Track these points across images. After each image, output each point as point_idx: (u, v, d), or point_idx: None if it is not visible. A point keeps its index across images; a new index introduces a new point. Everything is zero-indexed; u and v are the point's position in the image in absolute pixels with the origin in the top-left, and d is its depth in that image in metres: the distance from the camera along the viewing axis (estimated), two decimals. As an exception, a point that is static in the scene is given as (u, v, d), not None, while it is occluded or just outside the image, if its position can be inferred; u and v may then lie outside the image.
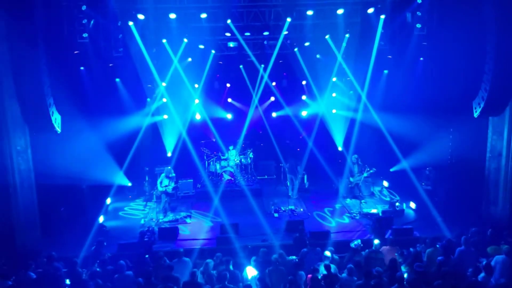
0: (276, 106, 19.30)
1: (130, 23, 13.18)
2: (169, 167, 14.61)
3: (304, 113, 18.82)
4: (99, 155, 14.09)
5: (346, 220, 13.68)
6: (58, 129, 11.26)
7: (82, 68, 14.13)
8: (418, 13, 13.20)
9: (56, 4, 11.87)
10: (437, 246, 9.75)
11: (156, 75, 15.34)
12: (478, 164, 12.88)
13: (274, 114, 19.50)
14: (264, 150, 19.01)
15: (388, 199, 14.92)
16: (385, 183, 16.06)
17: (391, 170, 15.69)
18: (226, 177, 16.90)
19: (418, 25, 13.35)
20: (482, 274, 8.37)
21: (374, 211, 13.81)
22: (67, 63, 12.95)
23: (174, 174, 14.45)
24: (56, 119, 11.17)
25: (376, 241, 9.94)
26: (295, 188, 15.72)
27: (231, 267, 8.97)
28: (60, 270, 9.00)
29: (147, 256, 10.10)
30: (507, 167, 12.07)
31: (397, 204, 13.94)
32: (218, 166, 17.26)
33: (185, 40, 14.88)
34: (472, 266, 9.02)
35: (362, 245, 10.04)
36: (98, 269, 9.14)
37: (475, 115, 12.12)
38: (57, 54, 11.76)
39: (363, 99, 16.00)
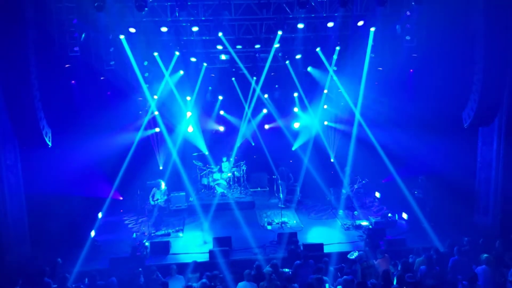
0: (268, 118, 19.33)
1: (121, 37, 13.18)
2: (161, 180, 14.53)
3: (296, 125, 18.85)
4: (90, 169, 14.01)
5: (339, 231, 13.66)
6: (49, 143, 11.17)
7: (73, 81, 14.08)
8: (408, 25, 13.34)
9: (47, 17, 11.85)
10: (423, 256, 9.77)
11: (146, 89, 15.27)
12: (469, 174, 12.97)
13: (266, 126, 19.52)
14: (257, 162, 18.99)
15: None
16: (377, 194, 16.08)
17: (383, 181, 15.73)
18: (219, 189, 16.85)
19: (408, 37, 13.47)
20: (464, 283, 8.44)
21: (365, 223, 13.80)
22: (58, 77, 12.89)
23: (165, 188, 14.38)
24: (47, 132, 11.09)
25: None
26: (284, 194, 15.63)
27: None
28: (50, 286, 8.90)
29: (140, 269, 10.00)
30: (497, 177, 12.17)
31: (389, 215, 13.95)
32: (210, 179, 17.21)
33: (177, 53, 14.91)
34: (466, 275, 9.04)
35: (359, 256, 10.03)
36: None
37: (465, 125, 12.22)
38: (48, 67, 11.72)
39: (355, 111, 16.06)
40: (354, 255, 10.40)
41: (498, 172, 12.14)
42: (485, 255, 9.22)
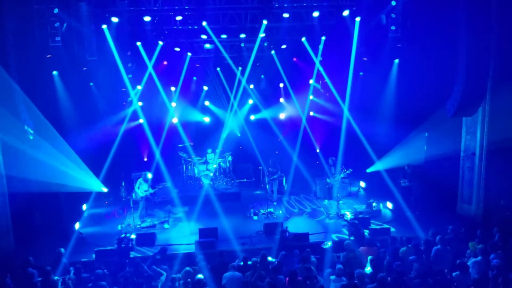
0: (254, 108, 19.27)
1: (104, 26, 12.98)
2: (146, 172, 14.44)
3: (282, 116, 18.84)
4: (74, 161, 13.82)
5: (325, 221, 13.75)
6: (31, 135, 11.00)
7: (55, 72, 13.85)
8: (393, 15, 13.36)
9: (27, 7, 11.60)
10: (409, 245, 9.87)
11: (127, 80, 15.04)
12: (453, 163, 13.10)
13: (252, 117, 19.48)
14: (243, 153, 18.96)
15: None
16: (362, 184, 16.18)
17: (368, 171, 15.82)
18: (205, 181, 16.80)
19: (393, 27, 13.52)
20: (457, 272, 8.53)
21: (349, 213, 13.89)
22: (39, 67, 12.67)
23: (150, 179, 14.30)
24: (29, 125, 10.91)
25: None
26: (275, 187, 15.60)
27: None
28: (34, 277, 8.83)
29: (127, 261, 9.95)
30: (481, 166, 12.30)
31: (374, 204, 14.06)
32: (196, 170, 17.14)
33: (160, 42, 14.74)
34: (448, 264, 9.17)
35: (332, 245, 10.10)
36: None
37: (449, 115, 12.32)
38: (28, 58, 11.50)
39: (340, 102, 16.09)
40: (328, 244, 10.41)
41: (482, 162, 12.27)
42: (481, 245, 9.34)
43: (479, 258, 9.13)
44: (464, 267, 8.59)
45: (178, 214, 14.55)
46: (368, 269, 9.18)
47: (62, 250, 10.22)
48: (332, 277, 8.66)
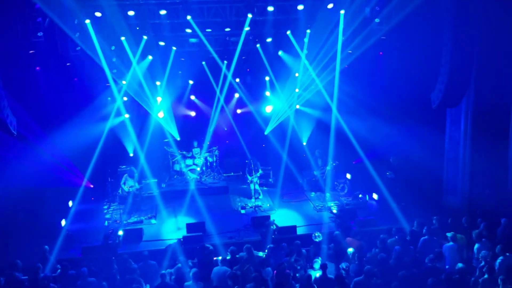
0: (240, 102, 19.23)
1: (87, 21, 12.82)
2: (132, 168, 14.35)
3: (268, 109, 18.82)
4: (59, 157, 13.70)
5: (312, 213, 13.82)
6: (14, 132, 10.86)
7: (38, 68, 13.66)
8: (377, 8, 13.38)
9: (7, 2, 11.39)
10: (396, 237, 9.98)
11: (110, 75, 14.86)
12: (437, 154, 13.24)
13: (238, 111, 19.44)
14: (230, 147, 18.94)
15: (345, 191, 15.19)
16: (348, 176, 16.29)
17: (354, 162, 15.91)
18: (192, 175, 16.76)
19: (377, 20, 13.54)
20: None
21: (335, 205, 13.95)
22: (21, 64, 12.49)
23: (137, 174, 14.23)
24: (12, 121, 10.77)
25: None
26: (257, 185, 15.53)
27: None
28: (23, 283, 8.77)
29: (113, 258, 9.90)
30: (465, 157, 12.44)
31: (360, 196, 14.16)
32: (183, 165, 17.08)
33: (145, 37, 14.60)
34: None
35: (322, 237, 10.16)
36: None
37: (434, 107, 12.43)
38: (11, 54, 11.33)
39: (325, 95, 16.11)
40: (319, 237, 10.46)
41: (466, 152, 12.40)
42: (451, 232, 9.51)
43: (450, 243, 9.30)
44: (439, 255, 8.74)
45: (165, 209, 14.48)
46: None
47: (47, 247, 10.12)
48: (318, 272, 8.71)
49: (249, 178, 15.04)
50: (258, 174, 14.96)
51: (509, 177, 11.84)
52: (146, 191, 15.43)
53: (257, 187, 14.97)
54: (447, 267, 8.90)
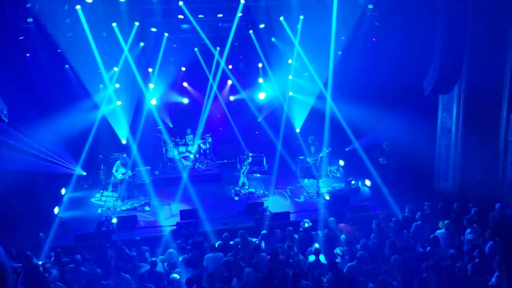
0: (233, 89, 19.17)
1: (78, 7, 12.66)
2: (125, 155, 14.31)
3: (261, 96, 18.79)
4: (51, 144, 13.61)
5: (304, 200, 13.89)
6: (5, 119, 10.78)
7: (28, 54, 13.51)
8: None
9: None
10: (391, 224, 10.07)
11: (100, 62, 14.71)
12: (429, 140, 13.30)
13: (231, 98, 19.38)
14: (223, 134, 18.92)
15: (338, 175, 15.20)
16: (341, 162, 16.36)
17: (346, 149, 15.96)
18: (185, 162, 16.75)
19: (370, 6, 13.50)
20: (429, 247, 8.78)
21: (328, 191, 14.04)
22: (11, 50, 12.34)
23: (129, 161, 14.20)
24: (3, 109, 10.68)
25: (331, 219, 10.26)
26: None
27: None
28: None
29: (107, 245, 9.91)
30: (456, 143, 12.53)
31: (352, 182, 14.24)
32: (176, 152, 17.05)
33: (136, 23, 14.47)
34: (426, 239, 9.40)
35: (311, 224, 10.20)
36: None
37: (426, 93, 12.47)
38: (1, 40, 11.19)
39: (318, 82, 16.10)
40: (307, 224, 10.46)
41: (458, 138, 12.49)
42: (446, 221, 9.58)
43: (442, 230, 9.39)
44: (435, 241, 8.82)
45: (158, 196, 14.49)
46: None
47: (42, 234, 10.13)
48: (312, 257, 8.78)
49: (238, 166, 15.12)
50: (246, 163, 14.97)
51: (500, 163, 11.95)
52: (139, 178, 15.40)
53: (244, 178, 14.99)
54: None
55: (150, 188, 14.77)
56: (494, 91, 11.77)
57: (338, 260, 8.54)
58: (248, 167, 14.98)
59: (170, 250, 9.38)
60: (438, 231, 9.45)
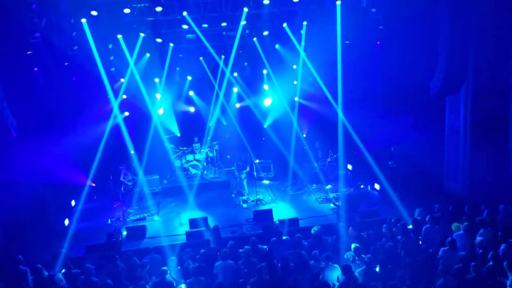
0: (239, 96, 19.24)
1: (83, 20, 12.80)
2: (130, 162, 14.41)
3: (267, 102, 18.80)
4: (60, 157, 13.71)
5: (314, 205, 13.85)
6: (14, 133, 10.88)
7: (36, 69, 13.65)
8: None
9: (3, 4, 11.37)
10: (398, 225, 10.00)
11: (104, 75, 14.79)
12: (438, 143, 13.24)
13: (237, 105, 19.44)
14: (230, 142, 18.95)
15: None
16: (349, 167, 16.29)
17: (354, 153, 15.91)
18: (193, 171, 16.79)
19: (373, 9, 13.50)
20: (444, 248, 8.66)
21: (337, 196, 13.97)
22: (19, 65, 12.46)
23: (134, 166, 14.28)
24: (12, 123, 10.79)
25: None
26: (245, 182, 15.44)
27: None
28: (26, 274, 8.83)
29: (117, 256, 9.93)
30: (465, 145, 12.45)
31: (361, 186, 14.17)
32: (184, 161, 17.11)
33: (142, 34, 14.58)
34: (437, 241, 9.32)
35: (322, 230, 10.15)
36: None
37: (432, 95, 12.42)
38: (8, 56, 11.31)
39: (323, 87, 16.08)
40: (314, 228, 10.38)
41: (466, 140, 12.41)
42: (465, 223, 9.46)
43: (461, 231, 9.29)
44: (453, 243, 8.72)
45: (167, 205, 14.53)
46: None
47: (63, 250, 10.17)
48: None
49: (236, 173, 15.12)
50: (245, 171, 15.01)
51: (510, 163, 11.85)
52: (148, 187, 15.44)
53: (244, 183, 15.07)
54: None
55: (159, 197, 14.79)
56: (501, 91, 11.69)
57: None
58: (246, 175, 15.00)
59: (171, 257, 9.43)
60: (457, 233, 9.33)
